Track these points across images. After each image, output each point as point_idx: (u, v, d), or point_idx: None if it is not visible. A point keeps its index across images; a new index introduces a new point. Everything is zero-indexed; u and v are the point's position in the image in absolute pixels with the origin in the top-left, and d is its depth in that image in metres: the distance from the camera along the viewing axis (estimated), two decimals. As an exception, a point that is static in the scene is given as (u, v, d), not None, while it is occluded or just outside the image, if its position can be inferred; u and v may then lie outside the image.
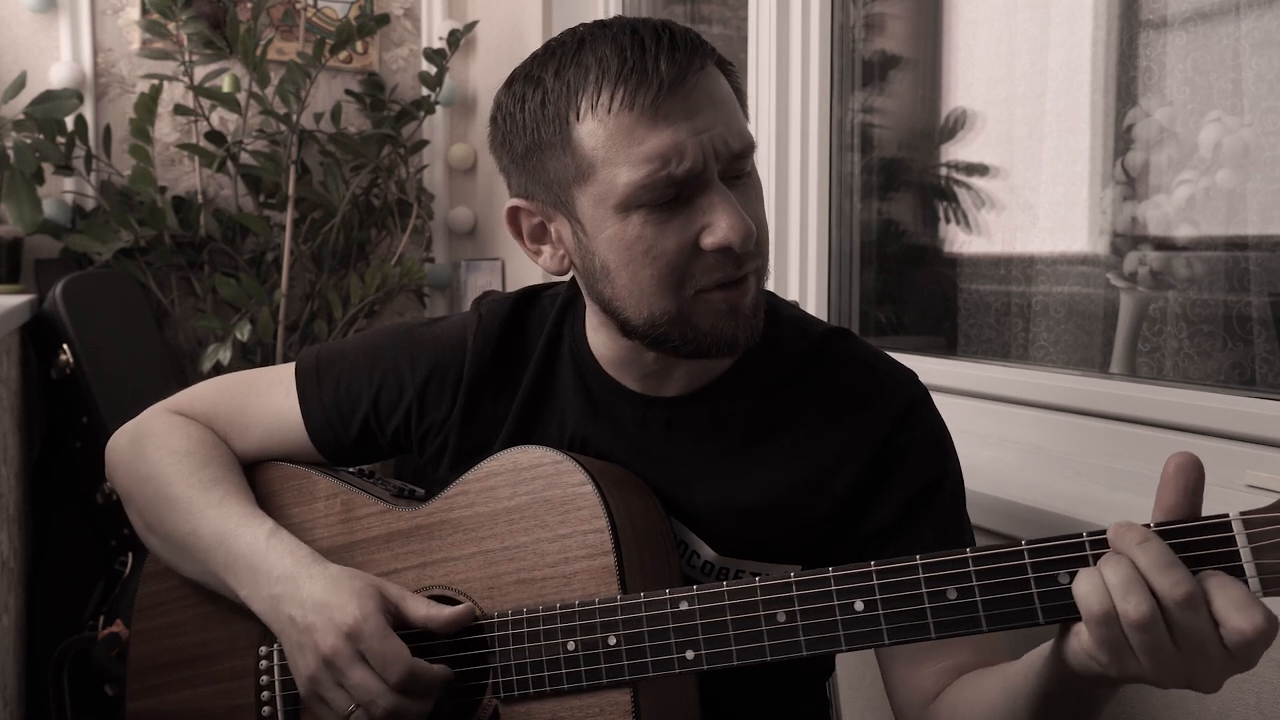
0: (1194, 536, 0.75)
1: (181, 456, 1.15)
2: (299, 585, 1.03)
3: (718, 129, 0.93)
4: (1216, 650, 0.73)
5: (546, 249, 1.03)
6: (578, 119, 0.93)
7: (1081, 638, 0.77)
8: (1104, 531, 0.78)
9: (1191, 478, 0.76)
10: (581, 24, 0.99)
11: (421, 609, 1.01)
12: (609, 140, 0.92)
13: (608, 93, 0.92)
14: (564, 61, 0.95)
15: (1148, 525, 0.76)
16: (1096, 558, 0.78)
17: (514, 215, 1.04)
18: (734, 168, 0.95)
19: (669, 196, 0.92)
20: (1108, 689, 0.84)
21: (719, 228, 0.92)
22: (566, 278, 1.09)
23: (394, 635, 0.99)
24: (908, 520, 1.03)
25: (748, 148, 0.96)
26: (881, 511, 1.04)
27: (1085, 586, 0.75)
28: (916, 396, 1.07)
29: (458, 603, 1.03)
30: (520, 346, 1.13)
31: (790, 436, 1.05)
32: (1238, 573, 0.74)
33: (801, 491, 1.04)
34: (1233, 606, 0.72)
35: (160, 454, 1.16)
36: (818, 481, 1.04)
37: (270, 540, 1.07)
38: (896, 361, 1.10)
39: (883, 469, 1.04)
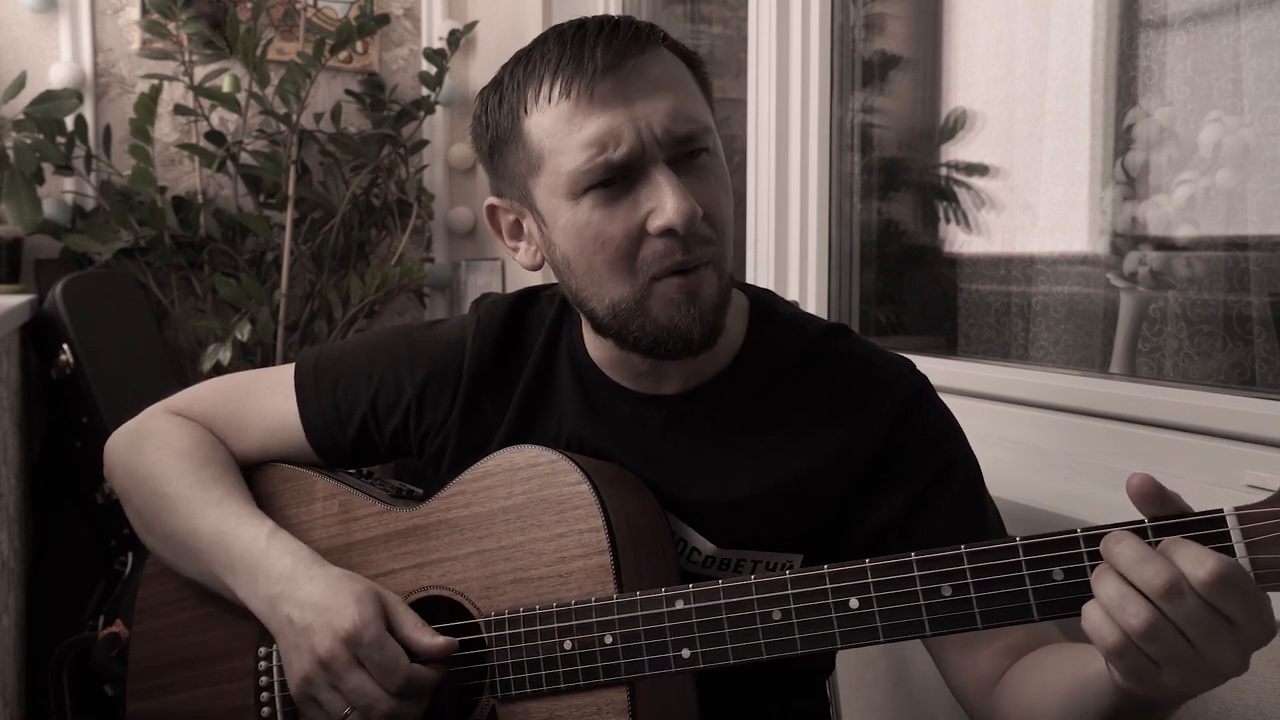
0: (1189, 532, 0.75)
1: (181, 456, 1.15)
2: (298, 586, 1.03)
3: (657, 113, 0.94)
4: (1225, 630, 0.72)
5: (522, 245, 1.06)
6: (526, 113, 0.97)
7: (1113, 672, 0.77)
8: (1098, 528, 0.77)
9: (1153, 498, 0.76)
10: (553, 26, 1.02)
11: (408, 628, 1.00)
12: (552, 129, 0.95)
13: (548, 83, 0.95)
14: (519, 62, 0.99)
15: (1141, 521, 0.76)
16: (1091, 554, 0.78)
17: (492, 214, 1.07)
18: (682, 150, 0.96)
19: (612, 180, 0.94)
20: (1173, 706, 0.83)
21: (663, 210, 0.93)
22: (540, 274, 1.10)
23: (392, 641, 0.99)
24: (923, 510, 1.03)
25: (696, 130, 0.96)
26: (890, 505, 1.03)
27: (1094, 618, 0.75)
28: (915, 387, 1.07)
29: (456, 603, 1.03)
30: (519, 347, 1.13)
31: (788, 433, 1.05)
32: None
33: (799, 485, 1.04)
34: (1193, 562, 0.71)
35: (159, 454, 1.16)
36: (817, 475, 1.04)
37: (270, 540, 1.07)
38: (894, 355, 1.10)
39: (888, 462, 1.04)
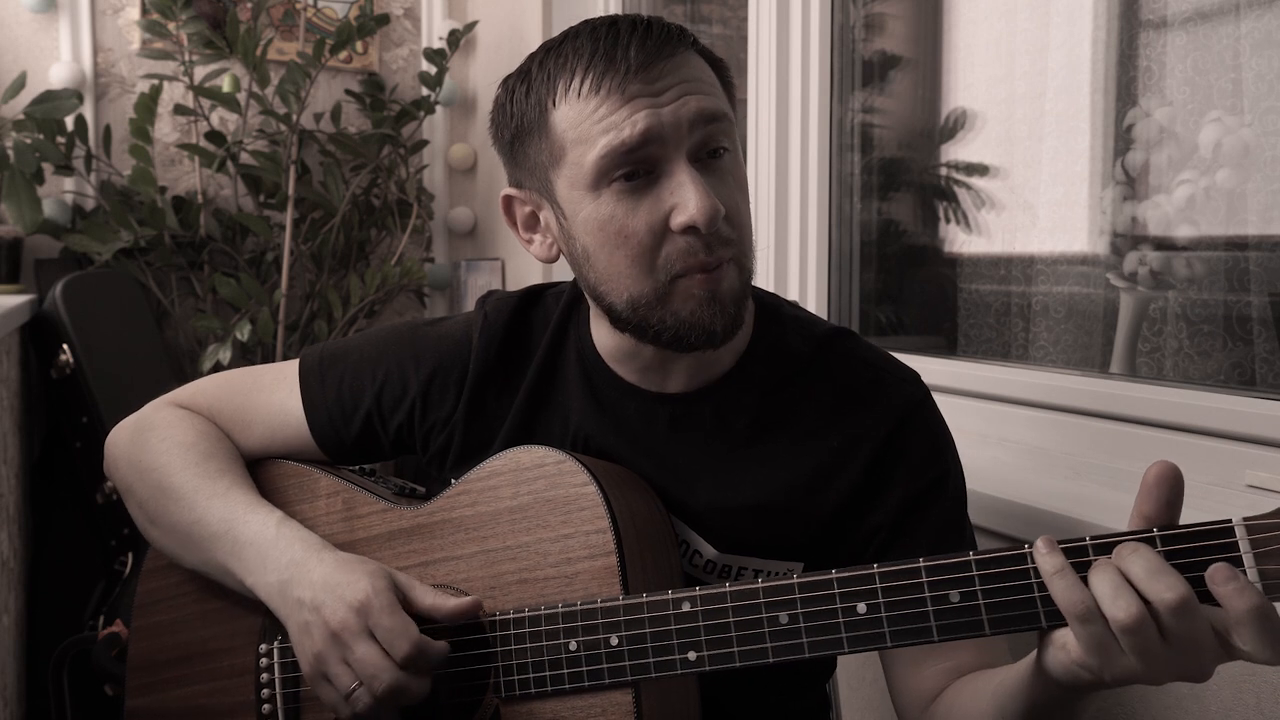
0: (1197, 541, 0.75)
1: (185, 448, 1.15)
2: (309, 569, 1.02)
3: (684, 108, 0.95)
4: (1211, 649, 0.73)
5: (537, 237, 1.07)
6: (554, 105, 0.97)
7: (1068, 649, 0.78)
8: (1107, 536, 0.78)
9: (1171, 489, 0.76)
10: (583, 20, 1.02)
11: (428, 598, 0.99)
12: (578, 122, 0.96)
13: (579, 78, 0.95)
14: (549, 53, 1.00)
15: (1150, 530, 0.77)
16: None
17: (508, 204, 1.07)
18: (705, 146, 0.96)
19: (635, 173, 0.94)
20: (1093, 696, 0.84)
21: (686, 207, 0.94)
22: (556, 267, 1.11)
23: (402, 611, 0.97)
24: (908, 520, 1.04)
25: (718, 129, 0.97)
26: (882, 511, 1.04)
27: (1062, 588, 0.76)
28: (918, 397, 1.07)
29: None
30: (525, 344, 1.13)
31: (793, 435, 1.06)
32: None
33: (803, 490, 1.04)
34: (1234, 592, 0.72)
35: (164, 445, 1.16)
36: (819, 480, 1.04)
37: (280, 528, 1.07)
38: (899, 361, 1.10)
39: (884, 469, 1.04)
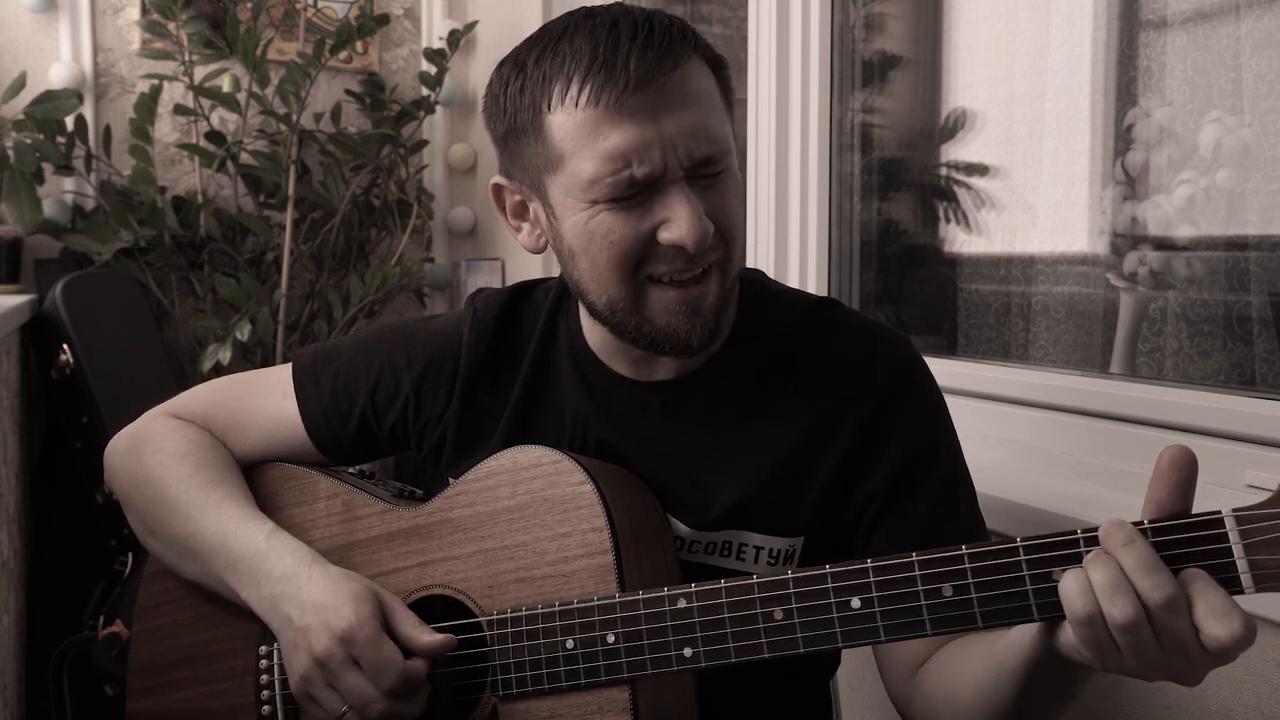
0: (1187, 533, 0.75)
1: (180, 459, 1.15)
2: (299, 586, 1.03)
3: (683, 134, 0.93)
4: (1196, 650, 0.74)
5: (526, 226, 1.07)
6: (549, 109, 0.96)
7: (1068, 633, 0.78)
8: (1097, 529, 0.78)
9: (1184, 473, 0.76)
10: (582, 8, 1.00)
11: (405, 628, 1.01)
12: (575, 133, 0.94)
13: (576, 86, 0.94)
14: (546, 48, 0.97)
15: (1140, 523, 0.77)
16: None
17: (498, 191, 1.08)
18: (702, 169, 0.96)
19: (631, 193, 0.94)
20: (1090, 672, 0.85)
21: (676, 227, 0.94)
22: (553, 265, 1.11)
23: (388, 641, 0.99)
24: (900, 487, 1.03)
25: (717, 152, 0.96)
26: (875, 476, 1.04)
27: (1071, 589, 0.76)
28: (910, 360, 1.08)
29: (458, 602, 1.03)
30: (515, 339, 1.14)
31: (786, 408, 1.06)
32: (1230, 569, 0.74)
33: (800, 459, 1.04)
34: (1212, 615, 0.72)
35: (159, 457, 1.17)
36: (815, 447, 1.04)
37: (270, 541, 1.08)
38: (889, 327, 1.11)
39: (877, 431, 1.04)
